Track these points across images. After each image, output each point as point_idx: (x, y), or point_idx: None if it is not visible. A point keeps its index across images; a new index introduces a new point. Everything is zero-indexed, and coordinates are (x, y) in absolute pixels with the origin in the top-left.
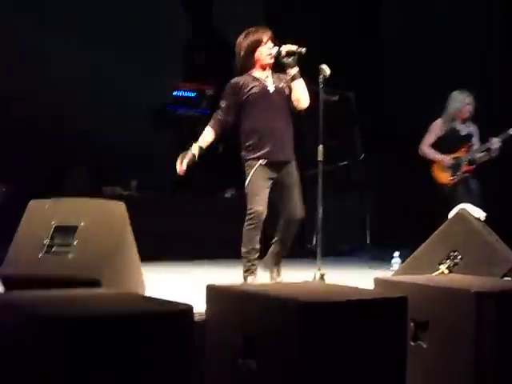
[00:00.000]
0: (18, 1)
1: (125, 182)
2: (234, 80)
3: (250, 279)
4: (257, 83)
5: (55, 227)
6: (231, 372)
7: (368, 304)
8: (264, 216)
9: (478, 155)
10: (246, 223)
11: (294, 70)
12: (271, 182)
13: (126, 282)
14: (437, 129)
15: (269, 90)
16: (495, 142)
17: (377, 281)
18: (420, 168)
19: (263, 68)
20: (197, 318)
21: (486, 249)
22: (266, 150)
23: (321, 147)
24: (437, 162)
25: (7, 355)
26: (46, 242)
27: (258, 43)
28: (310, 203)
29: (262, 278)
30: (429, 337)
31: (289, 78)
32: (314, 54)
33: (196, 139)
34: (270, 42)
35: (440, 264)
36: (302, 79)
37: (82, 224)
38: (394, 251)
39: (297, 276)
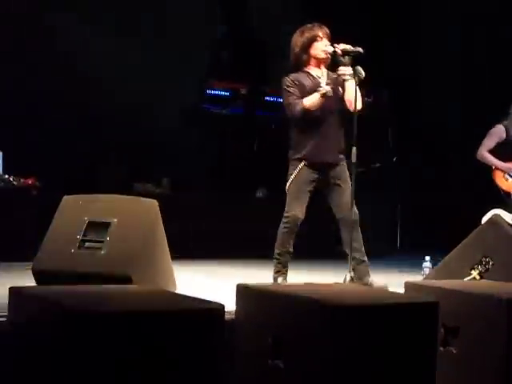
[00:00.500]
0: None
1: (157, 180)
2: (291, 75)
3: (279, 280)
4: (311, 81)
5: (88, 223)
6: (260, 372)
7: (398, 308)
8: (300, 220)
9: None
10: (281, 225)
11: (349, 70)
12: (314, 184)
13: (157, 279)
14: (498, 134)
15: (329, 94)
16: None
17: (407, 285)
18: (451, 172)
19: (318, 65)
20: (227, 317)
21: None
22: (311, 151)
23: (354, 149)
24: (498, 169)
25: (42, 348)
26: (79, 237)
27: (313, 39)
28: None
29: (292, 280)
30: (459, 343)
31: (343, 77)
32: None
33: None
34: (325, 39)
35: (471, 269)
36: (354, 80)
37: (115, 220)
38: (424, 256)
39: (326, 279)
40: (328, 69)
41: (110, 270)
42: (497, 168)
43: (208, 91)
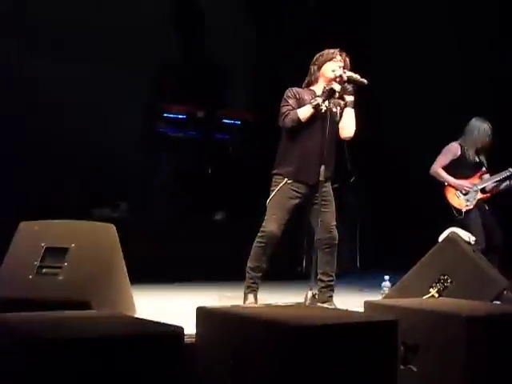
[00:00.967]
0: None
1: (114, 204)
2: (295, 88)
3: (250, 298)
4: (312, 98)
5: (46, 248)
6: None
7: (358, 327)
8: (277, 237)
9: (493, 185)
10: (256, 240)
11: (350, 98)
12: (296, 202)
13: (116, 303)
14: (453, 151)
15: (321, 109)
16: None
17: (367, 304)
18: (408, 191)
19: (325, 85)
20: (187, 340)
21: (476, 273)
22: (294, 169)
23: (323, 167)
24: (451, 186)
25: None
26: (37, 263)
27: (328, 59)
28: (301, 225)
29: (262, 297)
30: (419, 360)
31: (343, 103)
32: None
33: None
34: (340, 61)
35: (430, 287)
36: (353, 110)
37: (73, 246)
38: (383, 275)
39: (286, 298)
40: None
41: (69, 296)
42: (449, 185)
43: (165, 115)
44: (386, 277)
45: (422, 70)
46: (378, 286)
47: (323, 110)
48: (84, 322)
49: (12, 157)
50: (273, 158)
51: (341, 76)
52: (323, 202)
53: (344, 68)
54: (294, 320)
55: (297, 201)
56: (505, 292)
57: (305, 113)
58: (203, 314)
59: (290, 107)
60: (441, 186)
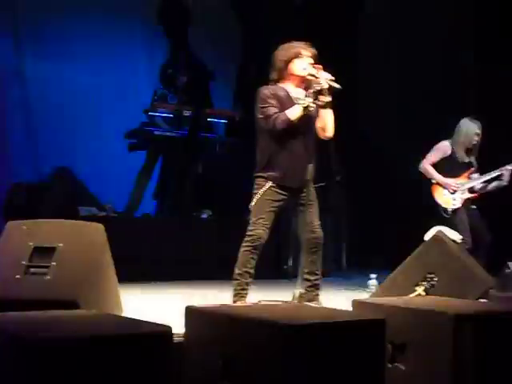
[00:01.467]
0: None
1: (101, 203)
2: (270, 87)
3: (239, 304)
4: (288, 98)
5: (34, 248)
6: None
7: (346, 326)
8: (264, 240)
9: (482, 185)
10: (243, 244)
11: (328, 98)
12: (281, 204)
13: (104, 303)
14: (443, 150)
15: (310, 110)
16: (507, 170)
17: (355, 303)
18: (396, 189)
19: (296, 83)
20: (176, 339)
21: (462, 271)
22: (279, 173)
23: (310, 166)
24: (439, 183)
25: None
26: (25, 263)
27: (295, 55)
28: (287, 224)
29: (249, 296)
30: (406, 359)
31: (321, 104)
32: None
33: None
34: (309, 57)
35: (416, 286)
36: (331, 110)
37: (61, 245)
38: (369, 274)
39: (273, 297)
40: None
41: (57, 296)
42: (437, 182)
43: (151, 113)
44: (373, 275)
45: (410, 69)
46: (364, 285)
47: (312, 109)
48: (72, 321)
49: None
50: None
51: (315, 76)
52: (308, 202)
53: (315, 61)
54: (283, 319)
55: (282, 202)
56: (490, 291)
57: (296, 114)
58: (192, 313)
59: (275, 109)
60: (428, 184)
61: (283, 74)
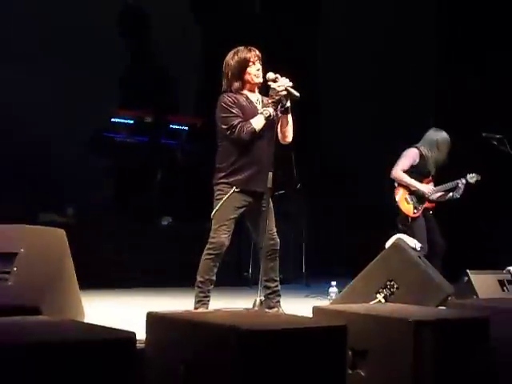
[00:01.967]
0: None
1: (61, 209)
2: (230, 94)
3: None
4: (249, 106)
5: None
6: None
7: (307, 332)
8: (225, 247)
9: (438, 194)
10: (205, 252)
11: (288, 104)
12: (242, 210)
13: (66, 309)
14: (413, 157)
15: (272, 119)
16: (461, 184)
17: (315, 309)
18: (356, 196)
19: (252, 89)
20: (138, 346)
21: (422, 278)
22: (243, 177)
23: (270, 174)
24: (406, 188)
25: None
26: None
27: (245, 63)
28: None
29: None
30: (367, 365)
31: (281, 109)
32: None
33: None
34: (257, 62)
35: (377, 293)
36: (290, 115)
37: (22, 251)
38: (329, 282)
39: (234, 304)
40: (261, 93)
41: (18, 302)
42: (406, 187)
43: (112, 119)
44: (333, 283)
45: (369, 73)
46: (325, 292)
47: (273, 118)
48: (34, 327)
49: None
50: None
51: (274, 81)
52: (265, 209)
53: (262, 63)
54: (244, 324)
55: (243, 209)
56: (449, 298)
57: (260, 124)
58: (153, 319)
59: (239, 118)
60: (391, 190)
61: (237, 84)
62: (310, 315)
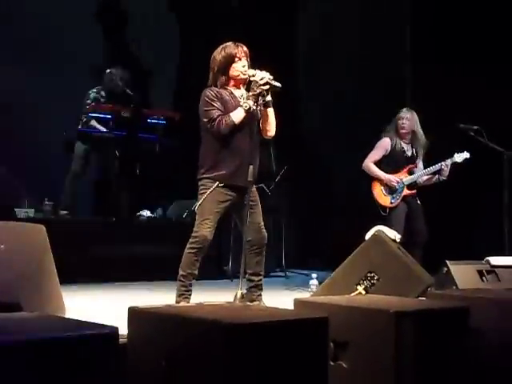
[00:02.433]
0: None
1: (39, 204)
2: (214, 89)
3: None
4: (232, 101)
5: None
6: None
7: (289, 325)
8: (209, 241)
9: (424, 178)
10: (188, 245)
11: (269, 97)
12: (226, 205)
13: (46, 304)
14: (384, 147)
15: (252, 111)
16: (447, 164)
17: (296, 302)
18: (335, 189)
19: (237, 85)
20: (120, 340)
21: (402, 269)
22: (227, 172)
23: (251, 167)
24: (380, 180)
25: None
26: None
27: (231, 59)
28: (228, 224)
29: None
30: (349, 356)
31: (262, 103)
32: None
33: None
34: (244, 58)
35: (357, 285)
36: (272, 109)
37: (1, 247)
38: (309, 274)
39: (215, 297)
40: (246, 89)
41: None
42: (379, 180)
43: (89, 114)
44: (314, 275)
45: (347, 69)
46: (305, 285)
47: (254, 110)
48: (14, 323)
49: None
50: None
51: (256, 81)
52: (251, 203)
53: (248, 59)
54: (226, 318)
55: (227, 203)
56: (429, 289)
57: (239, 117)
58: (135, 314)
59: (219, 112)
60: (368, 183)
61: (223, 79)
62: (292, 308)
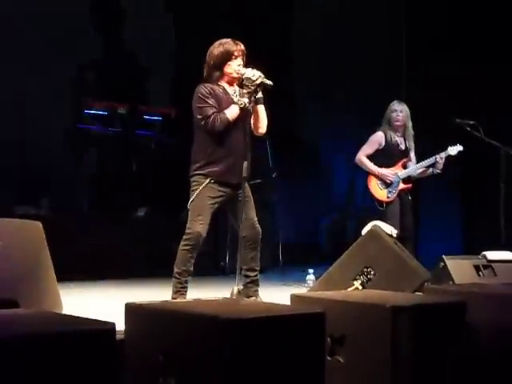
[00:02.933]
0: None
1: (36, 202)
2: (207, 85)
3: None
4: (225, 98)
5: None
6: None
7: (286, 320)
8: (202, 238)
9: (419, 171)
10: (182, 242)
11: (260, 94)
12: (219, 200)
13: (44, 301)
14: (378, 141)
15: (246, 109)
16: (441, 157)
17: (293, 297)
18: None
19: (230, 82)
20: (117, 337)
21: (399, 265)
22: (219, 169)
23: (245, 164)
24: (375, 175)
25: None
26: None
27: (228, 56)
28: (224, 221)
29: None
30: (345, 351)
31: (253, 100)
32: None
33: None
34: (240, 57)
35: (354, 280)
36: (263, 106)
37: None
38: (306, 269)
39: (211, 293)
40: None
41: None
42: (373, 174)
43: (86, 111)
44: (311, 270)
45: (345, 61)
46: (302, 280)
47: (247, 108)
48: (11, 320)
49: None
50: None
51: (249, 78)
52: (245, 199)
53: (244, 58)
54: (223, 313)
55: (220, 199)
56: (426, 284)
57: (234, 115)
58: (132, 310)
59: (213, 109)
60: (364, 178)
61: (217, 75)
62: (288, 303)
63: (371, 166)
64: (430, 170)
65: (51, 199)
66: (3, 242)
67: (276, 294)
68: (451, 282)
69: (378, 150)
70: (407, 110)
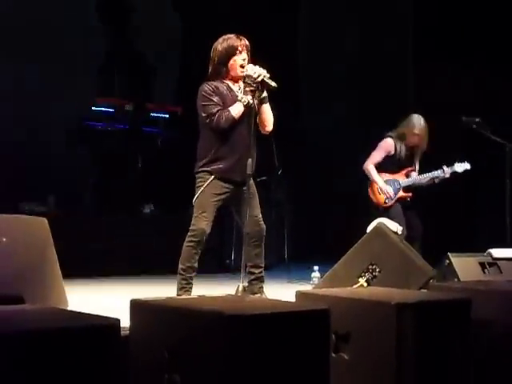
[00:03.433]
0: None
1: (42, 198)
2: (212, 83)
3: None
4: (229, 95)
5: None
6: None
7: (291, 316)
8: (206, 235)
9: (423, 181)
10: (187, 239)
11: (265, 93)
12: (223, 197)
13: (49, 297)
14: (387, 148)
15: (250, 106)
16: (447, 172)
17: (298, 294)
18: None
19: (235, 79)
20: (122, 333)
21: (404, 262)
22: (224, 166)
23: (250, 161)
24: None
25: None
26: None
27: (232, 52)
28: (230, 218)
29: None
30: (350, 348)
31: (258, 99)
32: None
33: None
34: (244, 52)
35: (359, 277)
36: (268, 105)
37: (4, 240)
38: (311, 266)
39: (216, 290)
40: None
41: (1, 291)
42: (376, 184)
43: (92, 108)
44: (316, 267)
45: (349, 69)
46: (307, 277)
47: (252, 106)
48: (17, 316)
49: None
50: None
51: (252, 77)
52: (249, 196)
53: (249, 53)
54: (228, 309)
55: (225, 196)
56: (431, 281)
57: (239, 112)
58: (137, 307)
59: (218, 106)
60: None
61: (222, 71)
62: (293, 300)
63: (376, 177)
64: (431, 182)
65: (57, 196)
66: (9, 238)
67: (281, 291)
68: (456, 280)
69: (386, 157)
70: (426, 131)
